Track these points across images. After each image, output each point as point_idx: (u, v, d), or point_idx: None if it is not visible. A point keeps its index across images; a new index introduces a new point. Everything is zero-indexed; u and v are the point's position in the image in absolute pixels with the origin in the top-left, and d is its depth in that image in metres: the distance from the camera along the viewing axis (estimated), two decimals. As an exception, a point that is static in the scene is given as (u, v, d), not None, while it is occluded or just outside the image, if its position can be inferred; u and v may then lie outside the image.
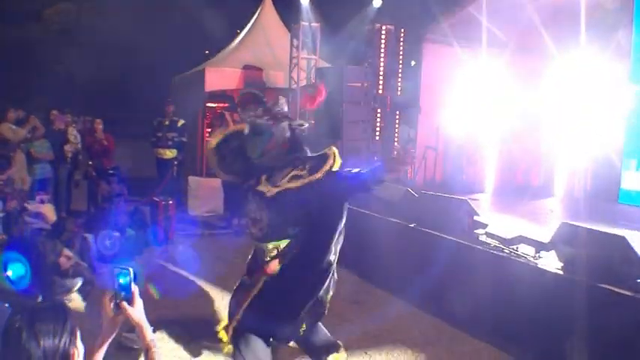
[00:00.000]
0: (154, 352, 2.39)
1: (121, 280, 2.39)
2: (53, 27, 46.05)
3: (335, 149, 4.09)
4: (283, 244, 3.98)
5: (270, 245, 4.00)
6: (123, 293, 2.38)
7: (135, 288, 2.41)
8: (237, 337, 4.00)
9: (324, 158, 4.04)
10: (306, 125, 4.28)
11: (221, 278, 7.59)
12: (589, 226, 5.52)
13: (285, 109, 4.25)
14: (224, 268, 8.07)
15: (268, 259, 4.01)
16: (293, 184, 3.95)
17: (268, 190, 4.00)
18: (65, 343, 2.07)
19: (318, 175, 3.92)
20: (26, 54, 44.05)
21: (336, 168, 3.96)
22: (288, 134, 4.11)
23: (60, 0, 45.82)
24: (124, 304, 2.37)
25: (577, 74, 10.44)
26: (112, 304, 2.38)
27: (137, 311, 2.40)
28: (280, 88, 12.62)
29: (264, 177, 4.09)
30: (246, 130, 4.13)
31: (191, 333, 5.67)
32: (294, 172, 4.01)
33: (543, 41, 11.41)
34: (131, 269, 2.43)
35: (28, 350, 2.01)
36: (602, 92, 10.19)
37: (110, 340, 2.46)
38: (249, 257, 4.34)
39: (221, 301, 6.57)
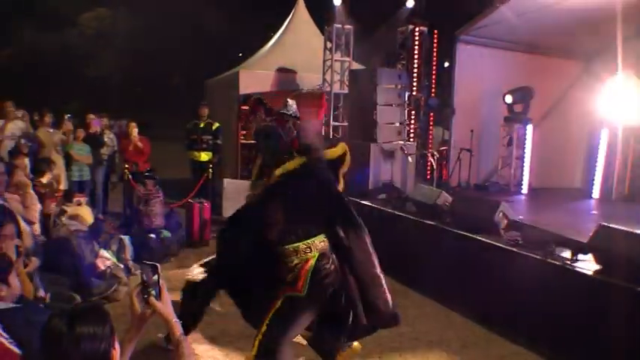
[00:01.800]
0: (184, 348, 2.39)
1: (149, 276, 2.40)
2: (89, 32, 46.68)
3: (345, 145, 4.15)
4: (303, 246, 3.87)
5: (291, 247, 3.89)
6: (151, 289, 2.39)
7: (162, 283, 2.42)
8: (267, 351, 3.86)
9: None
10: (311, 124, 4.27)
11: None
12: (628, 229, 5.42)
13: (294, 109, 4.32)
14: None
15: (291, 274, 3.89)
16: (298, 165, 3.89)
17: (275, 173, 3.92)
18: (105, 345, 2.09)
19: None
20: (63, 58, 44.75)
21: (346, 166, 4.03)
22: (295, 133, 4.14)
23: (96, 5, 46.40)
24: (152, 299, 2.38)
25: (613, 74, 10.26)
26: (139, 300, 2.39)
27: (165, 307, 2.40)
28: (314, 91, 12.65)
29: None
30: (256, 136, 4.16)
31: (225, 333, 5.70)
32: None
33: (576, 42, 11.28)
34: (158, 265, 2.43)
35: (68, 354, 2.02)
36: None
37: (138, 337, 2.47)
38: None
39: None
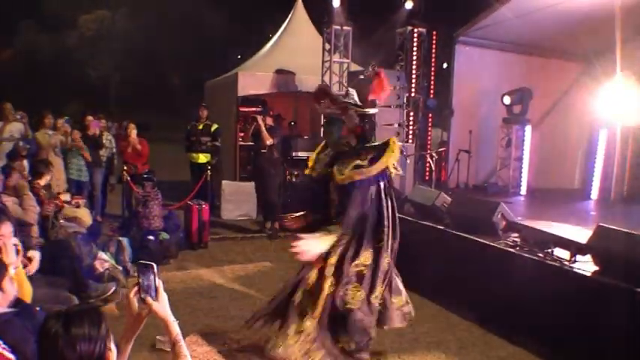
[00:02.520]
0: (181, 347, 2.39)
1: (145, 276, 2.40)
2: (89, 33, 46.69)
3: (395, 139, 4.57)
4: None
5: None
6: (147, 288, 2.39)
7: (159, 283, 2.41)
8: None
9: (383, 148, 4.51)
10: (372, 111, 4.72)
11: (254, 282, 7.63)
12: (626, 230, 5.42)
13: (355, 98, 4.57)
14: (257, 272, 8.10)
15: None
16: (356, 176, 4.42)
17: (338, 178, 4.49)
18: (100, 347, 2.09)
19: (374, 171, 4.43)
20: (62, 60, 44.77)
21: (394, 160, 4.50)
22: (357, 120, 4.59)
23: (95, 7, 46.42)
24: (149, 299, 2.37)
25: (612, 76, 10.26)
26: (136, 300, 2.39)
27: (162, 306, 2.40)
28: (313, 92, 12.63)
29: (336, 165, 4.56)
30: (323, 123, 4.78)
31: (225, 336, 5.70)
32: (356, 162, 4.46)
33: (575, 43, 11.29)
34: (154, 265, 2.42)
35: (63, 355, 2.03)
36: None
37: (135, 336, 2.46)
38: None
39: (254, 305, 6.59)
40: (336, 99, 4.55)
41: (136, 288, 2.40)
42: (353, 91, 4.62)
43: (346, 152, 4.58)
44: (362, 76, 4.96)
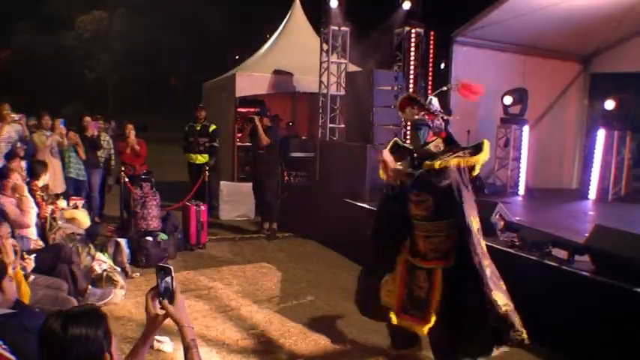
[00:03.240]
0: (194, 353, 2.35)
1: (162, 279, 2.38)
2: (86, 34, 46.69)
3: (487, 142, 4.68)
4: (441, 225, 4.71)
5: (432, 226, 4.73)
6: (164, 291, 2.38)
7: (176, 286, 2.39)
8: None
9: (479, 147, 4.66)
10: (451, 117, 5.04)
11: (253, 282, 7.62)
12: (624, 230, 5.43)
13: (437, 106, 4.85)
14: (256, 273, 8.10)
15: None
16: (455, 160, 4.53)
17: (433, 164, 4.54)
18: (97, 348, 2.08)
19: (473, 160, 4.59)
20: (60, 61, 44.75)
21: (485, 159, 4.62)
22: (442, 125, 4.84)
23: (92, 7, 46.40)
24: (165, 302, 2.36)
25: (609, 76, 10.30)
26: (154, 302, 2.38)
27: (178, 310, 2.37)
28: (310, 92, 12.63)
29: (427, 161, 4.63)
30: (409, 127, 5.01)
31: (223, 337, 5.70)
32: (457, 154, 4.60)
33: (573, 43, 11.31)
34: (172, 268, 2.41)
35: (60, 354, 2.03)
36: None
37: (152, 339, 2.45)
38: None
39: (252, 305, 6.59)
40: (423, 105, 4.79)
41: (153, 291, 2.39)
42: (435, 100, 4.88)
43: (435, 154, 4.68)
44: (445, 88, 5.15)
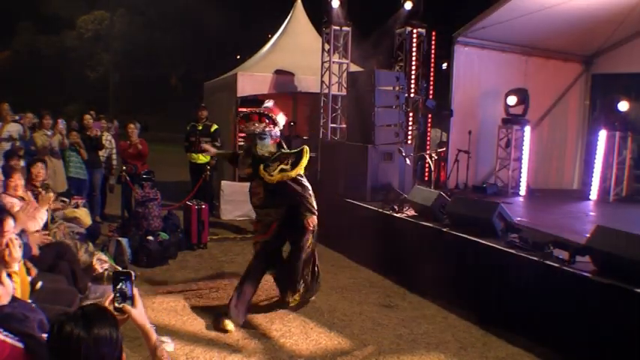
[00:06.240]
0: (162, 350, 2.41)
1: (122, 284, 2.44)
2: (87, 34, 46.69)
3: (307, 148, 5.90)
4: (273, 211, 6.11)
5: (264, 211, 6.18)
6: (124, 296, 2.43)
7: (135, 290, 2.44)
8: None
9: (300, 155, 5.85)
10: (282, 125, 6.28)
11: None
12: (625, 230, 5.42)
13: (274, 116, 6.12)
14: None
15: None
16: (283, 177, 5.81)
17: (267, 178, 5.86)
18: (119, 350, 2.08)
19: (293, 174, 5.80)
20: (61, 61, 44.77)
21: (304, 164, 5.84)
22: (279, 133, 6.15)
23: (93, 7, 46.40)
24: (127, 306, 2.41)
25: (610, 76, 10.30)
26: (112, 307, 2.41)
27: (139, 313, 2.43)
28: (312, 92, 12.63)
29: (261, 166, 5.92)
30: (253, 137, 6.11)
31: (224, 337, 5.70)
32: (282, 166, 5.82)
33: (574, 44, 11.30)
34: (132, 272, 2.47)
35: (84, 356, 2.00)
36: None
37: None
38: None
39: (253, 305, 6.58)
40: (272, 118, 6.05)
41: (112, 295, 2.43)
42: (270, 103, 6.26)
43: (268, 158, 5.96)
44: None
